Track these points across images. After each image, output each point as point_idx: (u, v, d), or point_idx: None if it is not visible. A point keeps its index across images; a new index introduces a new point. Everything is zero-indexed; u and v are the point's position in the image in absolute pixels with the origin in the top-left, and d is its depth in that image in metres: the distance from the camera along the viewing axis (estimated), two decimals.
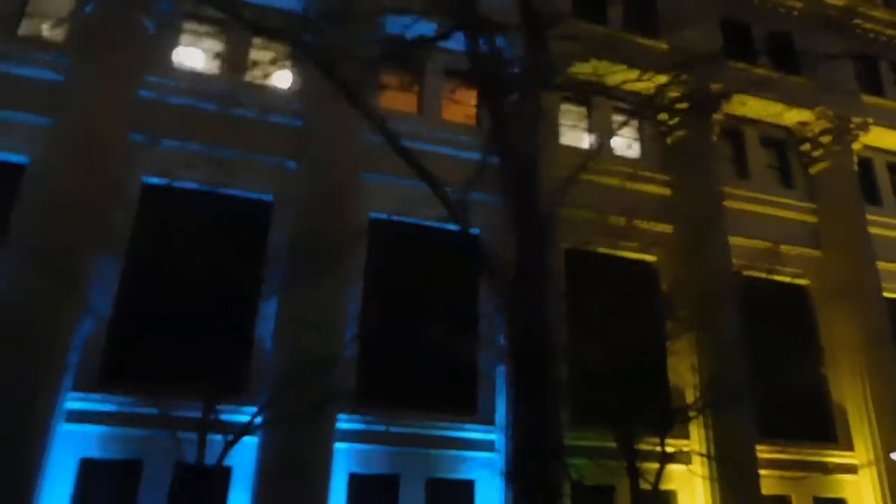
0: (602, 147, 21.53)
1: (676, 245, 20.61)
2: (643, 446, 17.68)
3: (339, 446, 15.98)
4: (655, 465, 17.57)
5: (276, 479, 14.82)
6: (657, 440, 18.22)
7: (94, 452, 14.93)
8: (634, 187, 21.07)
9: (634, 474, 15.27)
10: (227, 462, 15.29)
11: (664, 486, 18.19)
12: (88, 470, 14.82)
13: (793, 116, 23.31)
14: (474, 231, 19.29)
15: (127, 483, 14.90)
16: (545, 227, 11.59)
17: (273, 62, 16.61)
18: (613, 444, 16.48)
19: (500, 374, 17.52)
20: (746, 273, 20.45)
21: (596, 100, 22.05)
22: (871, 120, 23.29)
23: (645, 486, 17.67)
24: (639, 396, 16.95)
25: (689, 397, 19.07)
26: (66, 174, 15.68)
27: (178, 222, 15.92)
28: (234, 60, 19.00)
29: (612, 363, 16.25)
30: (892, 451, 17.60)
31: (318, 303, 16.32)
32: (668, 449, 18.41)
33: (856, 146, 23.47)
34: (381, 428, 16.35)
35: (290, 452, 15.03)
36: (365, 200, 18.39)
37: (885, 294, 21.74)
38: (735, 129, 23.25)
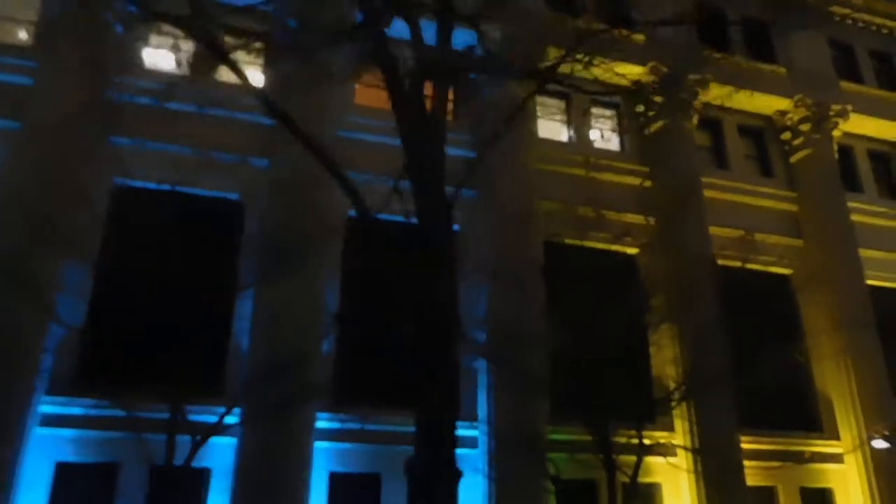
0: (580, 140, 21.48)
1: (656, 236, 20.48)
2: (623, 439, 17.61)
3: (319, 445, 15.82)
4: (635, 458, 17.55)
5: (253, 479, 14.67)
6: (636, 431, 18.18)
7: (70, 456, 14.76)
8: (613, 179, 21.05)
9: (611, 467, 15.06)
10: (205, 463, 15.26)
11: (648, 479, 18.15)
12: (64, 474, 14.66)
13: (771, 105, 23.25)
14: (455, 227, 19.32)
15: (103, 486, 14.72)
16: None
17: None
18: (593, 438, 16.27)
19: (483, 370, 17.39)
20: (726, 263, 20.41)
21: (574, 92, 21.93)
22: (850, 107, 23.23)
23: (622, 479, 17.61)
24: (618, 388, 16.83)
25: (671, 388, 18.96)
26: (33, 178, 15.50)
27: (148, 224, 15.78)
28: (202, 59, 18.78)
29: (591, 355, 16.15)
30: (873, 438, 17.47)
31: (293, 301, 16.18)
32: (650, 441, 18.34)
33: (836, 134, 23.40)
34: (360, 426, 16.19)
35: (268, 452, 14.88)
36: (340, 198, 18.16)
37: (868, 281, 21.65)
38: (713, 119, 23.17)
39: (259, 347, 15.86)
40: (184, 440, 14.86)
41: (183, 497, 14.84)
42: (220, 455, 15.16)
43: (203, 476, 15.15)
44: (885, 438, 16.80)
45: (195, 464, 15.03)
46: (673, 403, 17.61)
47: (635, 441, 17.81)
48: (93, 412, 14.75)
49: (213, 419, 15.29)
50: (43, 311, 14.36)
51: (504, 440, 16.20)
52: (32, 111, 16.37)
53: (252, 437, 15.01)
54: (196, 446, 13.17)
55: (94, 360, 15.55)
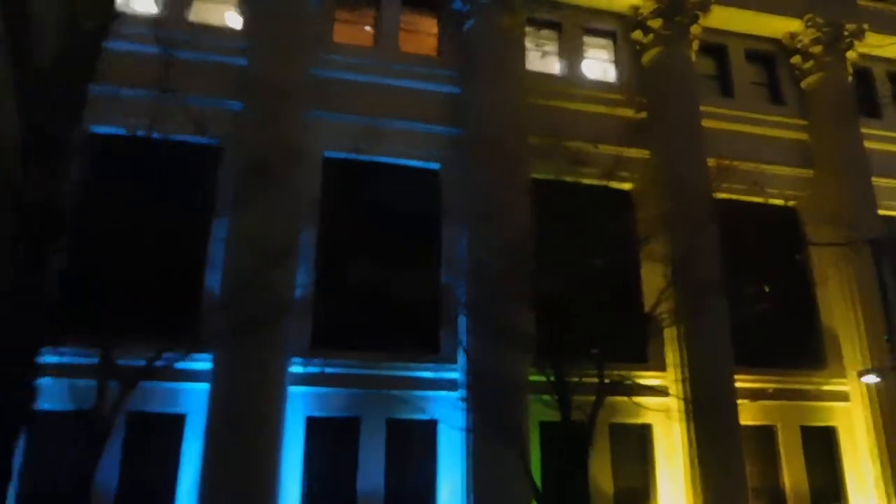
0: (571, 71, 20.49)
1: (652, 170, 19.61)
2: (613, 379, 17.20)
3: (296, 390, 15.76)
4: (624, 399, 17.14)
5: (225, 424, 14.66)
6: (628, 372, 17.73)
7: (45, 405, 14.83)
8: (608, 112, 20.05)
9: (566, 407, 14.58)
10: (181, 409, 15.32)
11: (639, 421, 17.77)
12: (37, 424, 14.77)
13: (780, 27, 21.82)
14: (434, 166, 18.81)
15: (76, 434, 14.84)
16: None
17: None
18: (578, 379, 15.80)
19: (464, 310, 17.00)
20: (729, 196, 19.53)
21: (566, 22, 20.92)
22: (866, 26, 21.67)
23: (611, 420, 17.28)
24: (606, 328, 16.34)
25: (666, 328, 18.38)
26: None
27: (123, 172, 15.60)
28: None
29: (579, 294, 15.64)
30: (865, 374, 16.69)
31: (269, 237, 15.81)
32: (641, 382, 17.93)
33: (851, 56, 21.90)
34: (339, 370, 16.06)
35: (240, 397, 14.83)
36: (318, 139, 17.74)
37: (881, 212, 20.49)
38: (717, 45, 21.87)
39: (231, 291, 15.62)
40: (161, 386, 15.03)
41: (159, 442, 15.02)
42: (195, 401, 15.20)
43: (178, 422, 15.18)
44: (876, 373, 16.06)
45: (171, 409, 15.26)
46: (664, 324, 16.79)
47: (629, 382, 17.51)
48: (68, 360, 14.84)
49: (191, 366, 15.42)
50: None
51: (482, 383, 15.87)
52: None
53: (224, 382, 14.97)
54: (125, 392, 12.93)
55: (72, 311, 15.60)
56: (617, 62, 21.09)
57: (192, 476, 14.70)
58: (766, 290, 19.62)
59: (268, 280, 15.46)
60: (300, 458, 15.48)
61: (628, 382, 17.48)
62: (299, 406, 15.73)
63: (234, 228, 16.06)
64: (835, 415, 19.02)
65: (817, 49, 21.50)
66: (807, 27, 21.62)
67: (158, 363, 14.92)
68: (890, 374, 16.28)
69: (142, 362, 13.84)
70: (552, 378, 14.77)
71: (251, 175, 16.52)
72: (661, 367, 18.18)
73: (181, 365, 15.20)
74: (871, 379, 16.49)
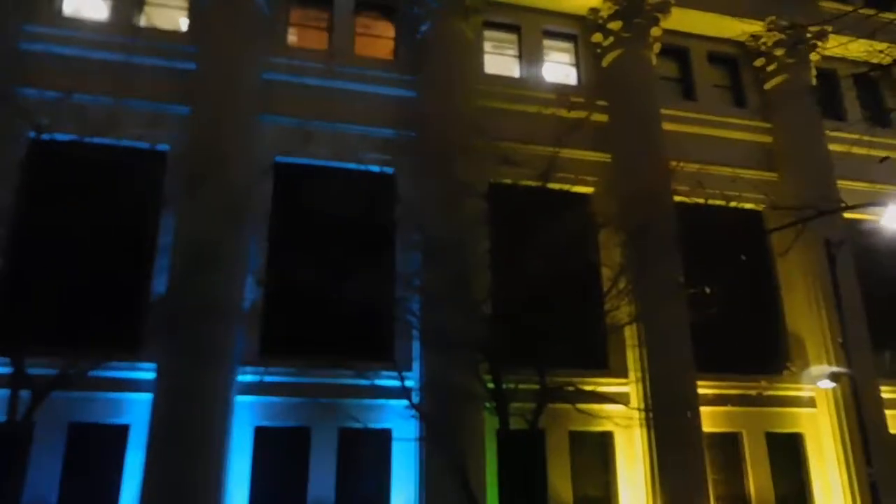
0: (529, 74, 20.28)
1: (613, 174, 19.38)
2: (571, 387, 16.85)
3: (244, 399, 15.39)
4: (585, 406, 16.79)
5: (168, 434, 14.24)
6: (589, 379, 17.40)
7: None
8: (568, 115, 19.81)
9: (504, 413, 14.17)
10: (124, 420, 14.91)
11: (599, 428, 17.38)
12: None
13: (742, 29, 21.68)
14: (387, 171, 18.48)
15: (17, 446, 14.39)
16: None
17: None
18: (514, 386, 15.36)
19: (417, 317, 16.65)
20: (690, 200, 19.26)
21: (525, 25, 20.74)
22: (829, 28, 21.51)
23: (570, 427, 16.93)
24: (564, 334, 16.03)
25: (627, 334, 18.07)
26: None
27: (65, 178, 15.29)
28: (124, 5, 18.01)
29: (536, 300, 15.33)
30: (820, 379, 16.36)
31: (216, 243, 15.44)
32: (604, 388, 17.58)
33: (814, 58, 21.78)
34: (289, 379, 15.67)
35: (184, 406, 14.41)
36: (269, 144, 17.44)
37: (846, 215, 20.25)
38: (679, 48, 21.73)
39: (175, 298, 15.22)
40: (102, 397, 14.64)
41: (99, 454, 14.58)
42: (139, 411, 14.78)
43: (122, 432, 14.75)
44: (830, 377, 15.77)
45: (114, 420, 14.84)
46: (622, 328, 16.51)
47: (588, 388, 17.17)
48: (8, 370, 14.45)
49: (133, 375, 15.04)
50: None
51: (434, 391, 15.53)
52: None
53: (167, 391, 14.57)
54: (35, 401, 12.53)
55: (13, 319, 15.21)
56: (577, 65, 20.92)
57: (134, 489, 14.24)
58: (730, 294, 19.31)
59: (214, 287, 15.16)
60: (248, 469, 15.08)
61: (588, 389, 17.25)
62: (247, 416, 15.34)
63: (179, 235, 15.72)
64: (801, 421, 18.70)
65: (780, 51, 21.39)
66: (769, 29, 21.51)
67: (102, 373, 14.64)
68: (846, 378, 15.90)
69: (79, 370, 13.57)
70: (492, 386, 14.43)
71: (198, 181, 16.21)
72: (623, 373, 17.84)
73: (124, 374, 14.92)
74: (827, 384, 16.18)
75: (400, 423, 15.82)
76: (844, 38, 21.00)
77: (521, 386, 14.98)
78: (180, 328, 14.84)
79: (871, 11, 20.26)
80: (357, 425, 15.81)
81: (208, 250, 15.08)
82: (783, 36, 21.23)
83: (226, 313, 15.27)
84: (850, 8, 21.61)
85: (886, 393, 18.81)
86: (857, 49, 21.73)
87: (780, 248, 19.49)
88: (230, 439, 14.76)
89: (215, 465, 14.42)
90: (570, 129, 19.44)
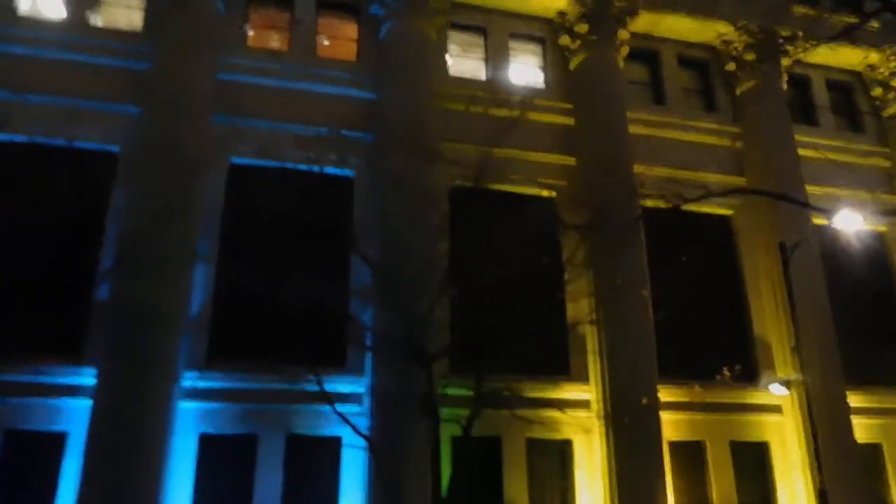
0: (495, 76, 20.00)
1: (579, 178, 19.07)
2: (535, 393, 16.54)
3: (188, 405, 14.99)
4: (548, 413, 16.49)
5: (106, 442, 13.84)
6: (550, 385, 17.12)
7: None
8: (534, 118, 19.54)
9: (435, 420, 13.82)
10: (62, 427, 14.53)
11: (559, 436, 17.04)
12: None
13: (713, 33, 21.41)
14: (347, 173, 18.19)
15: None
16: None
17: None
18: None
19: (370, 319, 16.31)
20: (658, 204, 18.91)
21: (491, 27, 20.47)
22: (800, 33, 21.29)
23: (528, 434, 16.57)
24: (521, 339, 15.73)
25: (589, 339, 17.76)
26: None
27: (9, 177, 15.04)
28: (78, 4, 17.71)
29: (496, 305, 15.02)
30: (772, 384, 15.99)
31: (165, 247, 15.05)
32: (565, 394, 17.28)
33: (786, 63, 21.52)
34: (236, 384, 15.31)
35: (124, 413, 14.01)
36: (224, 145, 17.10)
37: (816, 221, 19.95)
38: (649, 51, 21.46)
39: (120, 300, 14.87)
40: (39, 403, 14.27)
41: (37, 462, 14.18)
42: (77, 418, 14.38)
43: (58, 440, 14.35)
44: (781, 382, 15.44)
45: (51, 427, 14.45)
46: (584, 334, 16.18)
47: (547, 395, 16.88)
48: None
49: (76, 380, 14.68)
50: None
51: (385, 397, 15.18)
52: None
53: (107, 397, 14.19)
54: None
55: None
56: (544, 68, 20.61)
57: (70, 499, 13.83)
58: (697, 299, 19.04)
59: (160, 290, 14.83)
60: (191, 478, 14.66)
61: (546, 396, 16.95)
62: (192, 422, 14.94)
63: (125, 236, 15.33)
64: (767, 429, 18.32)
65: (750, 56, 21.11)
66: (740, 33, 21.24)
67: (39, 378, 14.30)
68: (810, 384, 15.56)
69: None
70: (445, 392, 14.10)
71: (149, 182, 15.93)
72: (584, 379, 17.48)
73: (63, 380, 14.56)
74: (779, 390, 15.84)
75: (350, 430, 15.41)
76: (815, 44, 20.95)
77: (471, 392, 14.68)
78: (123, 332, 14.54)
79: (852, 19, 20.31)
80: (306, 433, 15.49)
81: (155, 253, 14.73)
82: (754, 40, 20.97)
83: (172, 317, 14.93)
84: (820, 13, 21.58)
85: (854, 400, 18.42)
86: (827, 55, 21.73)
87: (753, 262, 19.37)
88: (173, 447, 14.34)
89: (156, 474, 14.01)
90: (535, 133, 19.38)
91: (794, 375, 17.79)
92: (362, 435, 13.86)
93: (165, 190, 15.43)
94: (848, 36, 16.00)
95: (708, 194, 15.47)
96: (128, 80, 16.72)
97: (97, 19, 17.81)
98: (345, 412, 15.56)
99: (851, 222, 12.94)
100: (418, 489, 14.32)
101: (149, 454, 13.99)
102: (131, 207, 15.69)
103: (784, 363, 18.55)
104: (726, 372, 17.78)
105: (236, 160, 17.26)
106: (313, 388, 15.48)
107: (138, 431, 13.95)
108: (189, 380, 15.06)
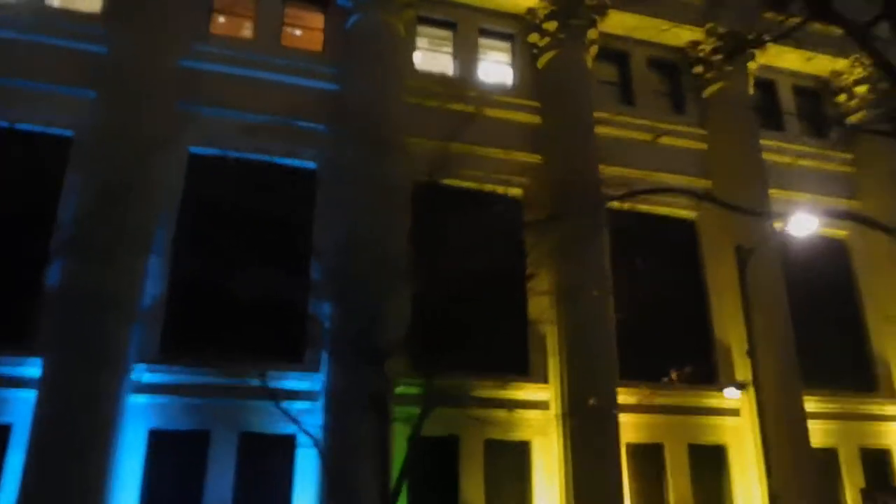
0: (463, 72, 19.80)
1: (545, 176, 18.93)
2: (494, 393, 16.41)
3: (139, 399, 14.62)
4: (507, 413, 16.41)
5: (51, 435, 13.42)
6: (509, 385, 16.97)
7: None
8: (501, 115, 19.46)
9: (385, 419, 13.62)
10: (5, 419, 14.09)
11: (518, 437, 16.94)
12: None
13: (682, 35, 21.40)
14: (310, 165, 17.87)
15: None
16: None
17: None
18: (456, 391, 14.86)
19: (327, 317, 16.02)
20: (623, 206, 18.88)
21: (461, 23, 20.26)
22: (767, 37, 21.30)
23: (487, 435, 16.42)
24: (480, 338, 15.56)
25: (550, 340, 17.66)
26: None
27: None
28: None
29: (457, 304, 14.82)
30: (726, 388, 15.99)
31: (119, 242, 14.70)
32: (523, 395, 17.18)
33: (752, 66, 21.58)
34: (188, 378, 14.94)
35: (71, 406, 13.60)
36: (184, 133, 16.70)
37: (779, 226, 20.01)
38: (619, 52, 21.42)
39: (71, 291, 14.43)
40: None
41: None
42: (22, 410, 13.95)
43: (2, 433, 13.91)
44: (736, 386, 15.49)
45: None
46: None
47: (504, 395, 16.75)
48: None
49: (21, 371, 14.25)
50: None
51: (341, 396, 14.92)
52: None
53: (53, 389, 13.76)
54: None
55: None
56: (513, 65, 20.46)
57: (11, 493, 13.39)
58: (660, 301, 19.03)
59: (112, 280, 14.43)
60: (139, 474, 14.31)
61: (508, 396, 16.83)
62: (142, 417, 14.58)
63: (78, 224, 14.87)
64: (725, 431, 18.38)
65: (718, 59, 21.13)
66: (708, 36, 21.27)
67: None
68: (766, 388, 15.60)
69: None
70: (402, 391, 13.90)
71: (103, 168, 15.50)
72: (543, 379, 17.38)
73: (7, 370, 14.12)
74: (733, 393, 15.88)
75: (307, 427, 15.10)
76: (783, 48, 21.07)
77: (424, 391, 14.48)
78: (72, 322, 14.12)
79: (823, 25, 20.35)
80: (260, 430, 15.20)
81: (107, 241, 14.35)
82: (721, 43, 20.99)
83: (123, 307, 14.53)
84: (788, 19, 21.62)
85: (811, 404, 18.54)
86: (794, 60, 21.86)
87: (715, 265, 19.37)
88: (121, 442, 13.98)
89: (102, 469, 13.64)
90: (501, 130, 19.22)
91: (748, 379, 17.88)
92: (307, 433, 13.56)
93: (120, 177, 14.99)
94: (789, 36, 15.93)
95: (647, 191, 15.34)
96: (85, 64, 16.23)
97: (55, 1, 17.26)
98: (300, 409, 15.37)
99: (806, 226, 12.94)
100: (368, 488, 14.06)
101: (96, 449, 13.61)
102: (84, 193, 15.28)
103: (744, 367, 18.54)
104: (673, 375, 17.81)
105: (195, 149, 16.85)
106: (269, 384, 15.22)
107: (85, 425, 13.58)
108: (140, 372, 14.70)
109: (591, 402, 15.91)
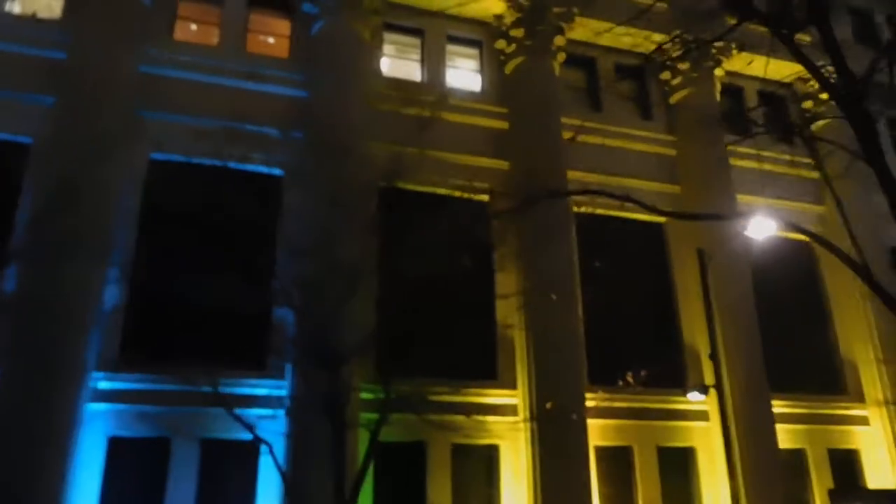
0: (431, 78, 19.84)
1: (512, 182, 18.93)
2: (462, 397, 16.31)
3: (97, 407, 14.41)
4: (474, 418, 16.29)
5: (6, 445, 13.17)
6: (478, 389, 16.91)
7: None
8: (468, 121, 19.50)
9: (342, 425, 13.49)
10: None
11: (486, 441, 16.85)
12: None
13: (650, 42, 21.50)
14: (276, 172, 17.77)
15: None
16: None
17: None
18: (418, 397, 14.73)
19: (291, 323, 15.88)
20: (591, 211, 18.91)
21: (429, 29, 20.32)
22: (733, 45, 21.61)
23: (453, 440, 16.32)
24: (456, 344, 15.59)
25: (517, 344, 17.63)
26: None
27: None
28: None
29: (429, 310, 14.83)
30: (690, 391, 16.01)
31: (78, 242, 14.43)
32: (491, 399, 17.12)
33: (719, 73, 21.82)
34: (149, 385, 14.74)
35: (26, 414, 13.38)
36: (144, 140, 16.57)
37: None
38: (586, 58, 21.56)
39: (26, 297, 14.18)
40: None
41: None
42: None
43: None
44: (699, 389, 15.52)
45: None
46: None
47: (479, 400, 16.71)
48: None
49: None
50: None
51: (299, 400, 14.79)
52: None
53: (9, 396, 13.53)
54: None
55: None
56: (481, 71, 20.54)
57: None
58: (628, 305, 19.09)
59: (69, 285, 14.24)
60: (97, 482, 14.08)
61: (476, 401, 16.76)
62: (100, 424, 14.37)
63: (34, 230, 14.67)
64: (693, 434, 18.41)
65: (684, 65, 21.32)
66: (674, 43, 21.39)
67: None
68: (732, 391, 15.67)
69: None
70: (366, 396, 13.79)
71: (60, 174, 15.31)
72: (511, 383, 17.33)
73: None
74: (697, 396, 15.91)
75: (268, 435, 14.95)
76: (750, 55, 21.28)
77: (391, 396, 14.37)
78: (27, 328, 13.91)
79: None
80: (221, 436, 15.00)
81: (63, 247, 14.16)
82: (686, 49, 21.13)
83: (81, 314, 14.37)
84: (755, 26, 21.86)
85: (779, 406, 18.61)
86: (760, 66, 22.00)
87: (682, 268, 19.37)
88: (79, 450, 13.76)
89: (61, 477, 13.41)
90: (468, 136, 19.26)
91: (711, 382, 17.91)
92: (261, 440, 13.43)
93: (78, 183, 14.81)
94: (732, 38, 16.10)
95: (604, 193, 15.40)
96: (42, 70, 16.08)
97: (13, 5, 17.14)
98: (263, 416, 15.18)
99: (764, 229, 13.03)
100: (323, 494, 13.87)
101: (53, 457, 13.39)
102: (40, 200, 15.05)
103: (712, 371, 18.60)
104: (629, 377, 17.85)
105: (156, 155, 16.71)
106: (228, 390, 15.06)
107: (41, 433, 13.38)
108: (98, 380, 14.50)
109: (549, 405, 15.88)
